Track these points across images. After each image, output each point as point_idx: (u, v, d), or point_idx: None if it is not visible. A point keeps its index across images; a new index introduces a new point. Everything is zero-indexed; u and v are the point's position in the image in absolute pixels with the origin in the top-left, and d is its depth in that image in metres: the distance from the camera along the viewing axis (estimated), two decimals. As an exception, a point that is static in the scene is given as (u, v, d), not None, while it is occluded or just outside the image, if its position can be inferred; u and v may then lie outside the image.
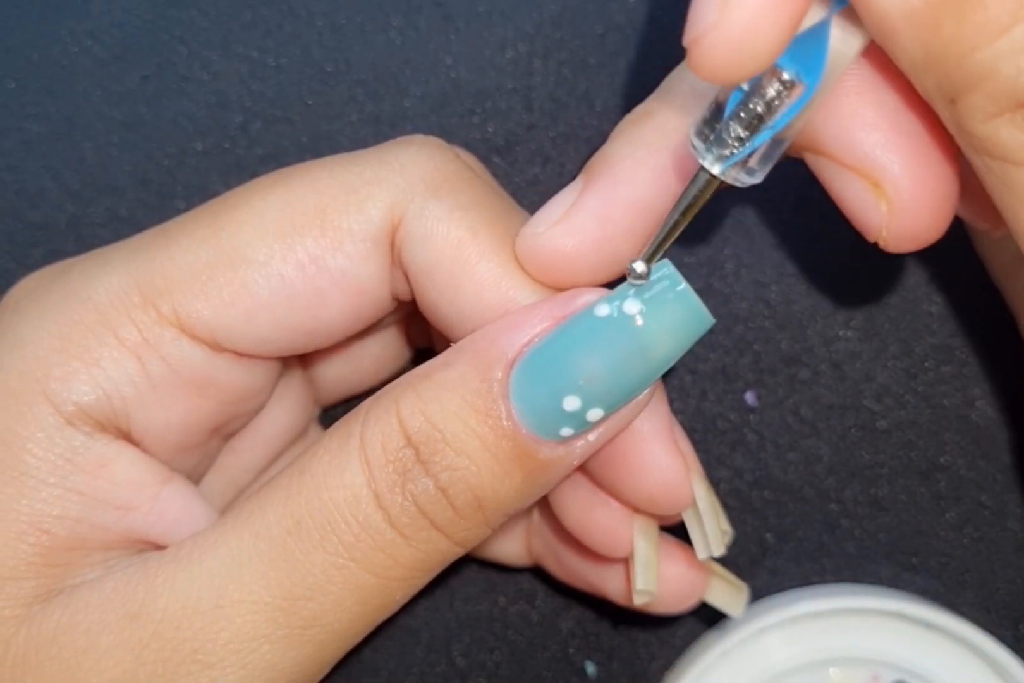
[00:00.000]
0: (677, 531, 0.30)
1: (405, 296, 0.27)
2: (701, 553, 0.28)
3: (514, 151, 0.35)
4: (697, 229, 0.35)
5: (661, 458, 0.26)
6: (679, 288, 0.23)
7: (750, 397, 0.35)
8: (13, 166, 0.35)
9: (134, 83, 0.35)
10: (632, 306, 0.23)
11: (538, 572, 0.35)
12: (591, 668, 0.35)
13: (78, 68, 0.35)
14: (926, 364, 0.35)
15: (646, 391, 0.24)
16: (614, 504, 0.28)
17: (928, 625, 0.32)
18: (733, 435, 0.35)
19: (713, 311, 0.24)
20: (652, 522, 0.28)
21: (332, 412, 0.34)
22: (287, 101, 0.35)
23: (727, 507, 0.31)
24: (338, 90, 0.35)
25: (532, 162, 0.35)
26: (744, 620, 0.32)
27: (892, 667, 0.32)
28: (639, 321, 0.23)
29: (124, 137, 0.35)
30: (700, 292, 0.24)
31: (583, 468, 0.27)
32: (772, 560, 0.35)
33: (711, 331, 0.35)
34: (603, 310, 0.23)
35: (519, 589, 0.35)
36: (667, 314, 0.23)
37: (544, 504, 0.31)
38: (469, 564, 0.35)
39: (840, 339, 0.35)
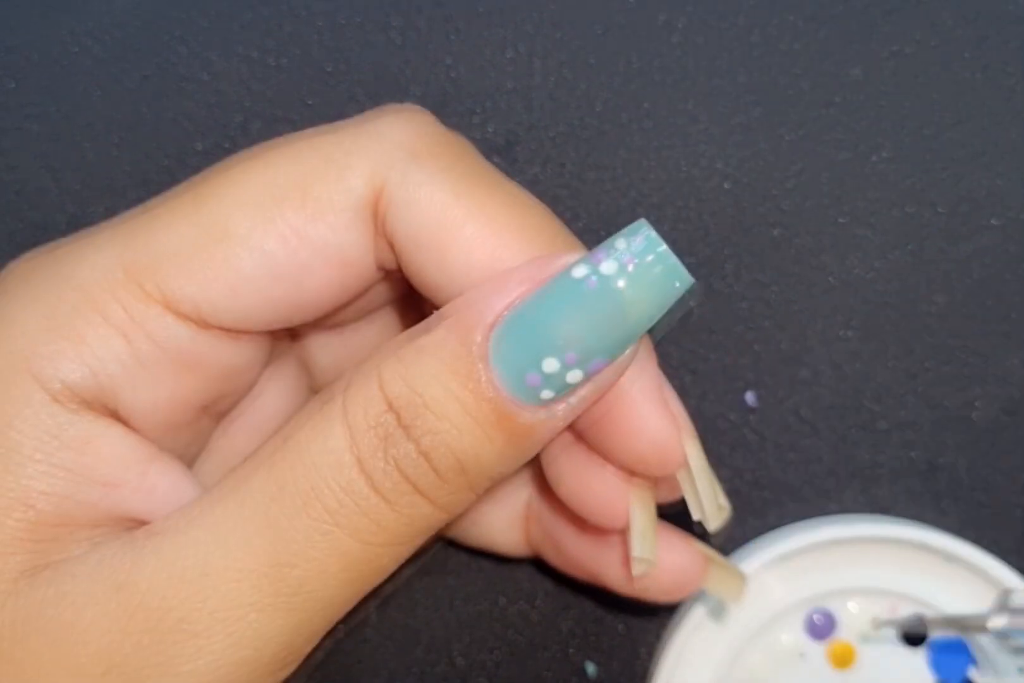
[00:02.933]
0: (676, 520, 0.30)
1: (391, 265, 0.27)
2: (696, 514, 0.28)
3: (514, 151, 0.35)
4: (697, 229, 0.35)
5: (650, 418, 0.26)
6: (659, 249, 0.23)
7: (750, 397, 0.35)
8: (13, 166, 0.35)
9: (134, 83, 0.35)
10: (610, 267, 0.23)
11: (538, 572, 0.35)
12: (591, 668, 0.35)
13: (78, 68, 0.35)
14: (926, 364, 0.35)
15: (627, 352, 0.24)
16: (609, 472, 0.28)
17: (948, 557, 0.32)
18: (733, 435, 0.35)
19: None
20: (649, 492, 0.28)
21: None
22: (287, 101, 0.35)
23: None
24: (338, 90, 0.35)
25: (532, 162, 0.35)
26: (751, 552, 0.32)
27: (911, 599, 0.32)
28: (617, 282, 0.23)
29: (124, 137, 0.35)
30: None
31: (576, 433, 0.27)
32: (772, 560, 0.35)
33: (711, 331, 0.35)
34: (581, 271, 0.23)
35: (519, 589, 0.35)
36: (645, 274, 0.23)
37: (542, 487, 0.31)
38: (469, 564, 0.35)
39: (840, 339, 0.35)
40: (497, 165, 0.36)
